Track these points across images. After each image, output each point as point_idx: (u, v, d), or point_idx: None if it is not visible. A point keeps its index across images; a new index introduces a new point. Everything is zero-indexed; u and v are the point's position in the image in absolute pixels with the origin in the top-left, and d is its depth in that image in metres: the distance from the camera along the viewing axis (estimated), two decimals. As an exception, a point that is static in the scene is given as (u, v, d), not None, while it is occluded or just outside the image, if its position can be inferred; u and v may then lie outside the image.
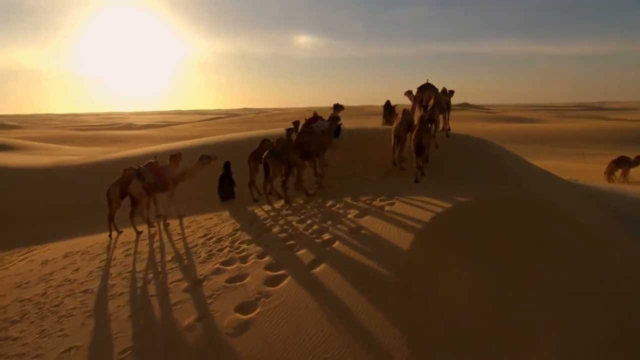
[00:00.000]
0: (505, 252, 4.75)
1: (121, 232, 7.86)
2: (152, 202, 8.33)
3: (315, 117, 9.73)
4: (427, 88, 10.88)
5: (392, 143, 9.31)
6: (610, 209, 8.35)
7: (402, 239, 4.65)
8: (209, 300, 4.34)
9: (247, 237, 5.87)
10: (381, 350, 3.19)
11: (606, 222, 7.47)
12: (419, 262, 4.35)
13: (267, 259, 4.96)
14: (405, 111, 9.44)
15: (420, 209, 5.53)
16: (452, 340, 3.42)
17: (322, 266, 4.45)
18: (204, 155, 8.71)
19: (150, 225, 7.65)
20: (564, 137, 47.59)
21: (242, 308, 4.07)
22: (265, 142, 9.15)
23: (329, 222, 5.70)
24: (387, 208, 5.86)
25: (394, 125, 9.56)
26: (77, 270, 6.28)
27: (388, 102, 13.58)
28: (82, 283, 5.71)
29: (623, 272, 5.29)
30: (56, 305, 5.23)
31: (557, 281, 4.49)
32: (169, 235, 6.96)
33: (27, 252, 8.10)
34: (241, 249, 5.49)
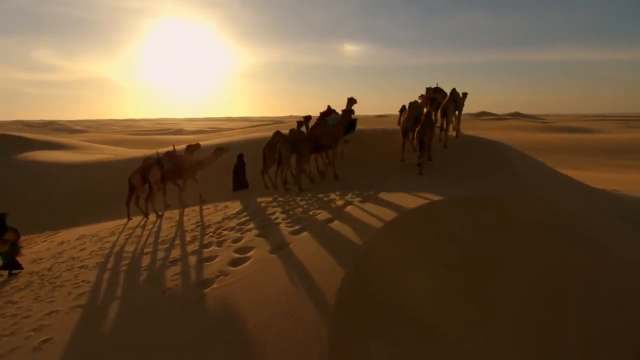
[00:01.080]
0: (466, 251, 4.62)
1: (131, 219, 8.46)
2: (160, 193, 8.92)
3: (329, 111, 9.99)
4: (438, 91, 10.76)
5: (402, 140, 9.29)
6: (631, 217, 7.74)
7: (364, 233, 4.61)
8: (178, 276, 4.62)
9: (231, 225, 6.13)
10: (312, 325, 3.24)
11: (612, 227, 6.94)
12: (371, 255, 4.31)
13: (240, 243, 5.17)
14: (411, 104, 9.43)
15: (397, 205, 5.49)
16: (385, 325, 3.41)
17: (282, 251, 4.57)
18: (218, 147, 9.30)
19: (146, 215, 8.22)
20: (623, 148, 44.00)
21: (203, 284, 4.30)
22: (277, 133, 9.54)
23: (310, 213, 5.82)
24: (367, 203, 5.86)
25: (402, 121, 9.56)
26: (82, 249, 6.87)
27: (404, 107, 13.61)
28: (82, 260, 6.24)
29: (592, 279, 4.95)
30: (55, 277, 5.78)
31: (510, 281, 4.31)
32: (167, 222, 7.41)
33: (52, 235, 8.94)
34: (222, 234, 5.75)
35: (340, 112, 9.67)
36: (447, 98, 10.18)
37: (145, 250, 5.93)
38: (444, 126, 10.02)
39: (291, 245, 4.64)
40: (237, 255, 4.77)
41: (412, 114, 9.11)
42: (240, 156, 10.15)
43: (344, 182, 8.26)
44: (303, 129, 10.13)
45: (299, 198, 7.02)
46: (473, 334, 3.66)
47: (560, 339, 4.10)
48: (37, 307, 4.91)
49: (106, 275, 5.29)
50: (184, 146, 9.89)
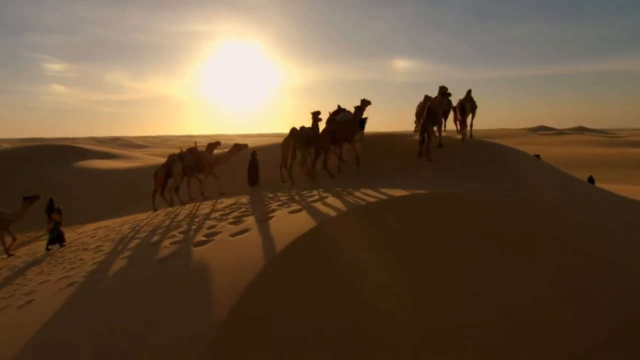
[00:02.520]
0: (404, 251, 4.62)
1: (156, 210, 9.31)
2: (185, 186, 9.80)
3: (338, 110, 10.41)
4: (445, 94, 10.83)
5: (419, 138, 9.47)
6: None
7: (295, 231, 4.57)
8: (151, 255, 5.12)
9: (215, 216, 6.60)
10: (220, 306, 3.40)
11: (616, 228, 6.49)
12: (297, 254, 4.17)
13: (209, 230, 5.59)
14: (426, 97, 9.74)
15: (359, 200, 5.60)
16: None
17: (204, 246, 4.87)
18: (236, 143, 10.16)
19: (170, 204, 9.04)
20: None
21: (160, 260, 4.76)
22: (293, 130, 10.09)
23: (271, 207, 6.09)
24: (329, 199, 5.94)
25: (416, 111, 9.93)
26: (92, 237, 7.70)
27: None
28: (87, 244, 7.03)
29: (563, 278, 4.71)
30: (61, 257, 6.59)
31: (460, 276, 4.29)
32: (167, 215, 8.07)
33: (78, 227, 10.01)
34: (203, 224, 6.22)
35: (347, 113, 10.09)
36: (465, 96, 10.70)
37: (137, 236, 6.55)
38: (460, 122, 10.55)
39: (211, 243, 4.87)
40: (203, 239, 5.18)
41: (424, 105, 9.63)
42: (254, 154, 10.72)
43: (353, 178, 8.49)
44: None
45: (293, 193, 7.32)
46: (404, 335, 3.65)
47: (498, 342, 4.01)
48: (37, 278, 5.66)
49: (97, 255, 5.94)
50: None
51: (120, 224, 8.42)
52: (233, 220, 5.83)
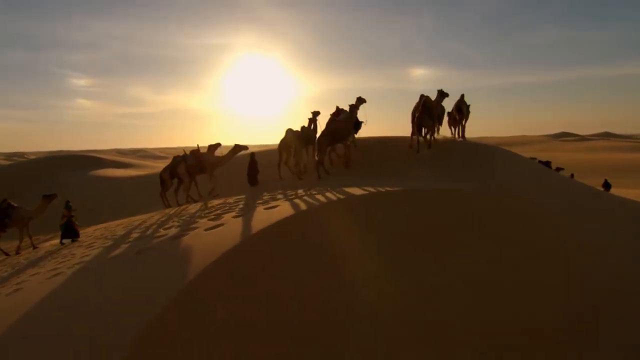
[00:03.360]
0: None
1: (170, 207, 9.74)
2: (193, 184, 10.21)
3: (337, 112, 10.69)
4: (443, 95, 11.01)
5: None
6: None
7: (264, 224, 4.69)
8: (132, 248, 5.42)
9: (205, 212, 6.89)
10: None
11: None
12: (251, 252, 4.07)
13: (191, 225, 5.86)
14: (422, 96, 10.03)
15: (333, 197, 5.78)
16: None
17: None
18: (237, 144, 10.56)
19: (187, 202, 9.47)
20: None
21: (139, 251, 5.03)
22: (289, 131, 10.40)
23: (253, 205, 6.32)
24: (305, 196, 6.15)
25: (412, 111, 10.30)
26: (90, 236, 8.10)
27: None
28: (82, 242, 7.41)
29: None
30: (58, 254, 6.97)
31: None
32: (162, 215, 8.41)
33: (84, 228, 10.49)
34: (189, 221, 6.50)
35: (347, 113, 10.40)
36: (459, 99, 11.21)
37: (122, 233, 6.91)
38: (457, 123, 11.19)
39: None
40: (182, 233, 5.44)
41: (419, 104, 9.96)
42: (252, 155, 11.08)
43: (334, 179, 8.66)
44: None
45: (286, 192, 7.51)
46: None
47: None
48: (31, 270, 6.03)
49: (87, 250, 6.30)
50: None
51: (116, 225, 8.83)
52: (214, 217, 6.09)
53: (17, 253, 9.29)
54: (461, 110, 11.01)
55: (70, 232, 8.81)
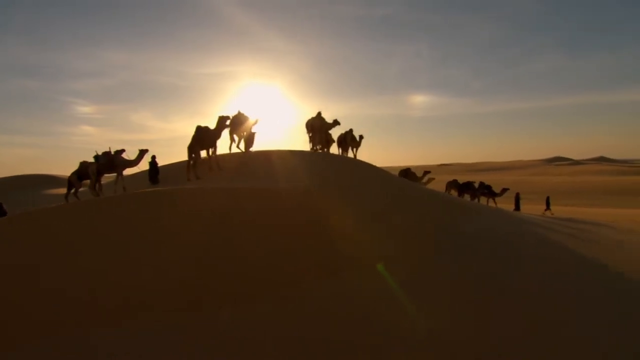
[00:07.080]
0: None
1: None
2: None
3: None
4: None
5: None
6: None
7: None
8: None
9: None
10: None
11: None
12: None
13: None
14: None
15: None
16: None
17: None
18: (141, 149, 11.03)
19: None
20: None
21: None
22: (199, 128, 10.90)
23: None
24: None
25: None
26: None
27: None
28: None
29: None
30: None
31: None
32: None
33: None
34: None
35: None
36: (347, 131, 14.11)
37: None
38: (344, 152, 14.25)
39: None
40: None
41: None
42: (153, 157, 11.61)
43: None
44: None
45: None
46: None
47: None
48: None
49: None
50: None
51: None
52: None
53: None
54: (345, 141, 13.88)
55: None
